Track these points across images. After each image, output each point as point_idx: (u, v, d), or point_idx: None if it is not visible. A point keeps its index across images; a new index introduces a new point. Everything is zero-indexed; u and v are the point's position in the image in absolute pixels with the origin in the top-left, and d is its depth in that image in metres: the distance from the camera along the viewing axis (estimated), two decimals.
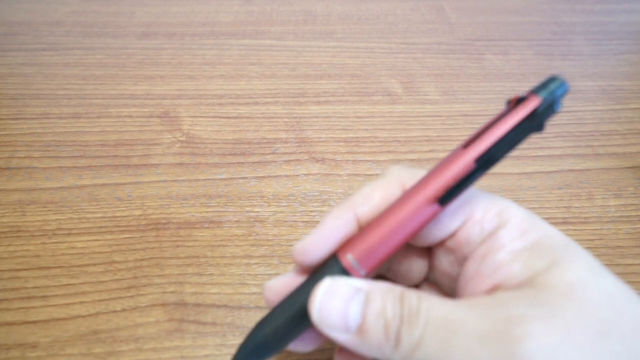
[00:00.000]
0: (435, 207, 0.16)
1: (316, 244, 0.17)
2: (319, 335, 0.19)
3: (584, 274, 0.15)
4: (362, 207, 0.18)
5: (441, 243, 0.19)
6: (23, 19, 0.49)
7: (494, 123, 0.16)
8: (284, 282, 0.19)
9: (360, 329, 0.15)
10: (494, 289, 0.16)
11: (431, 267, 0.20)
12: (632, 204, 0.31)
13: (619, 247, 0.28)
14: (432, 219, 0.17)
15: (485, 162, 0.16)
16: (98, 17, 0.50)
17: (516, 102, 0.16)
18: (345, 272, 0.17)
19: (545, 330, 0.13)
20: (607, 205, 0.31)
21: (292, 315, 0.17)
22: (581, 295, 0.14)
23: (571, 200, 0.31)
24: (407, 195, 0.17)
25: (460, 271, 0.18)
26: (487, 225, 0.17)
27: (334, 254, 0.17)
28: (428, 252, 0.20)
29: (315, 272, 0.17)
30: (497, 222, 0.17)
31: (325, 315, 0.15)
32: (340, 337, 0.15)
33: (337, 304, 0.15)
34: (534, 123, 0.15)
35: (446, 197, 0.16)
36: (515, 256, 0.16)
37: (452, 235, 0.18)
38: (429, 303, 0.15)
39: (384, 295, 0.15)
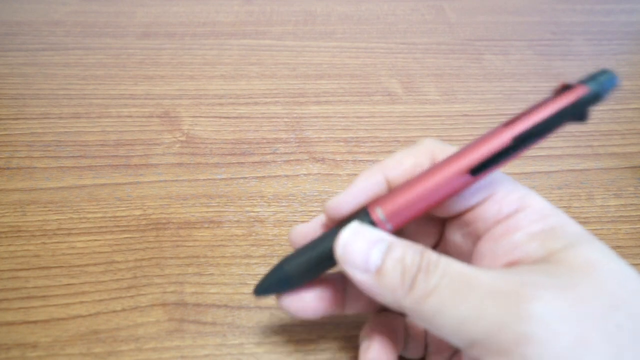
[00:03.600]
0: (467, 177, 0.17)
1: (347, 200, 0.19)
2: (324, 305, 0.20)
3: (600, 255, 0.15)
4: (392, 170, 0.19)
5: (458, 215, 0.19)
6: (23, 19, 0.49)
7: (538, 107, 0.16)
8: (311, 227, 0.20)
9: (379, 271, 0.16)
10: (509, 265, 0.16)
11: (443, 239, 0.21)
12: (632, 204, 0.31)
13: (619, 247, 0.28)
14: (462, 188, 0.17)
15: (522, 141, 0.16)
16: (98, 17, 0.50)
17: (562, 89, 0.16)
18: (373, 224, 0.18)
19: (556, 296, 0.14)
20: (607, 205, 0.31)
21: (318, 254, 0.19)
22: (595, 273, 0.15)
23: (571, 200, 0.31)
24: (443, 163, 0.17)
25: (474, 249, 0.18)
26: (505, 207, 0.18)
27: (364, 207, 0.18)
28: (440, 223, 0.21)
29: (344, 221, 0.18)
30: (516, 206, 0.17)
31: (349, 253, 0.17)
32: (359, 276, 0.16)
33: (361, 245, 0.16)
34: (576, 112, 0.15)
35: (479, 168, 0.17)
36: (532, 237, 0.16)
37: (471, 209, 0.18)
38: (447, 260, 0.16)
39: (405, 247, 0.16)
